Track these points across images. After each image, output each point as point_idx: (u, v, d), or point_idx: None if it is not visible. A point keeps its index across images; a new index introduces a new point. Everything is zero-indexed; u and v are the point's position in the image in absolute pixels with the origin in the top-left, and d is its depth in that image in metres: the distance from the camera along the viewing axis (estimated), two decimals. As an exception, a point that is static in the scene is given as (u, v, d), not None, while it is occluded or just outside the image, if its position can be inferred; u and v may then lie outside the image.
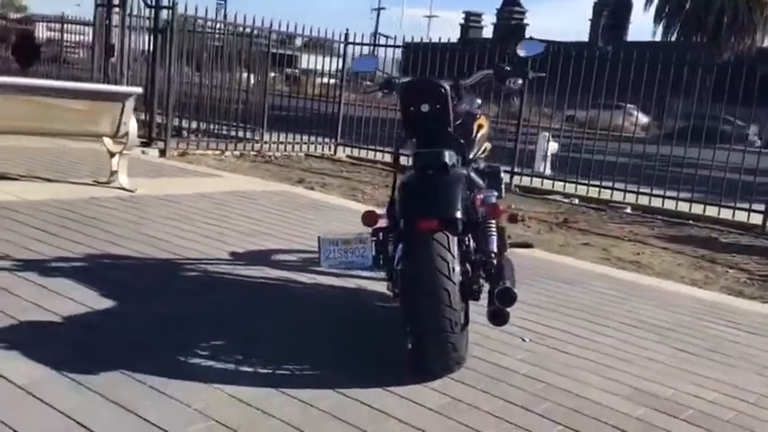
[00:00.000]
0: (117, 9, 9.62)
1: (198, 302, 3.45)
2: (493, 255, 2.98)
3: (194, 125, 10.13)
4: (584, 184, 9.30)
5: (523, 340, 3.48)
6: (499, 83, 3.89)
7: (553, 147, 11.10)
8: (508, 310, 2.82)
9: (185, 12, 9.28)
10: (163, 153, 8.92)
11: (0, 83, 5.50)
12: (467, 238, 2.96)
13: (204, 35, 10.38)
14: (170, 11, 8.96)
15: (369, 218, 2.82)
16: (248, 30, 10.24)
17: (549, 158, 10.93)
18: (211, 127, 10.38)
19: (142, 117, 9.71)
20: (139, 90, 6.13)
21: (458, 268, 2.85)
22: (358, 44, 11.65)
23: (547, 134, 11.06)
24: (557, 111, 11.46)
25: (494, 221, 3.04)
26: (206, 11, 9.72)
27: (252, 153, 10.29)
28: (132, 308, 3.27)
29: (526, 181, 9.95)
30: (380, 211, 3.02)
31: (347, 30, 11.22)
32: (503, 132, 10.29)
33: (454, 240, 2.71)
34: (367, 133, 11.47)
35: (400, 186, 2.87)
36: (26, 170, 6.38)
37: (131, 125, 5.90)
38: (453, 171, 2.81)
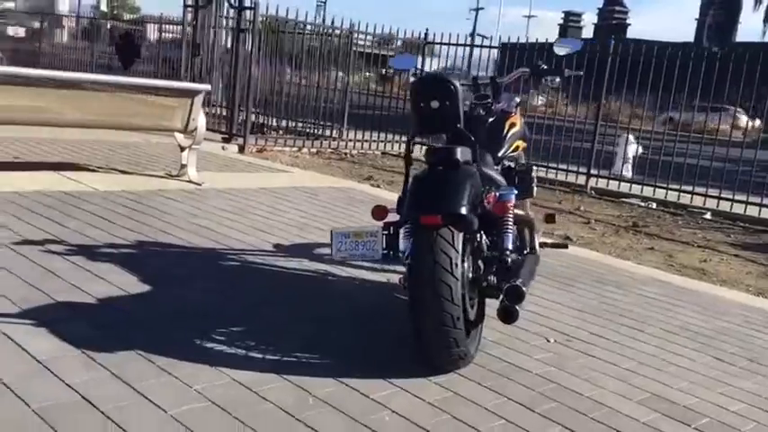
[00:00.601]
0: (204, 10, 9.99)
1: (227, 290, 3.58)
2: (507, 252, 2.98)
3: (275, 122, 10.40)
4: (662, 188, 9.00)
5: (548, 341, 3.44)
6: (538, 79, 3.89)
7: (636, 149, 10.78)
8: (518, 307, 2.81)
9: (266, 12, 9.55)
10: (242, 149, 9.21)
11: (81, 79, 5.85)
12: (479, 235, 2.96)
13: (286, 35, 10.64)
14: (252, 11, 9.24)
15: (378, 212, 2.87)
16: (329, 30, 10.43)
17: (630, 161, 10.63)
18: (291, 124, 10.64)
19: (225, 114, 10.11)
20: (208, 87, 6.37)
21: (465, 264, 2.87)
22: (444, 44, 11.64)
23: (629, 136, 10.76)
24: (650, 112, 11.08)
25: (510, 219, 3.04)
26: (287, 11, 9.99)
27: (328, 150, 10.48)
28: (163, 293, 3.43)
29: (604, 183, 9.71)
30: (391, 205, 3.05)
31: (426, 30, 11.25)
32: (579, 133, 10.09)
33: (459, 236, 2.72)
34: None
35: (411, 181, 2.91)
36: (105, 162, 6.74)
37: (200, 121, 6.15)
38: (464, 168, 2.82)
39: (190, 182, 6.17)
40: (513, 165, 3.66)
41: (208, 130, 10.20)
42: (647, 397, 2.92)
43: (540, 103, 15.73)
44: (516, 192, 3.18)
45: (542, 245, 4.04)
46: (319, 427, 2.32)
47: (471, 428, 2.46)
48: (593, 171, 9.66)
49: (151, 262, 3.89)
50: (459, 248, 2.71)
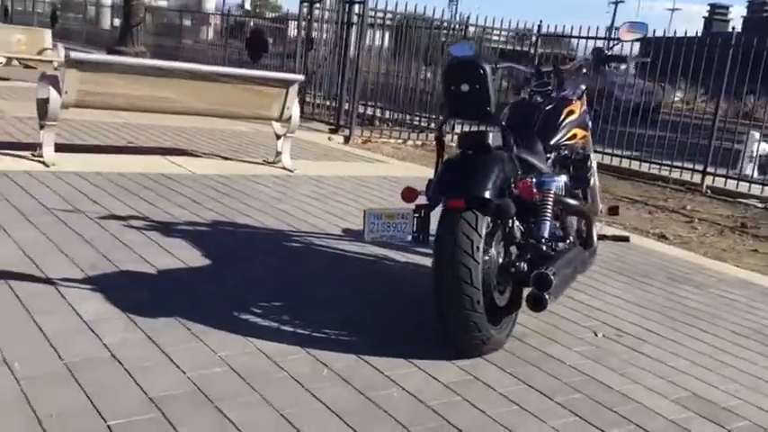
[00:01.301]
0: (318, 5, 10.29)
1: (281, 268, 3.72)
2: (543, 240, 2.95)
3: (386, 114, 10.56)
4: (784, 188, 8.45)
5: (596, 334, 3.36)
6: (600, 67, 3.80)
7: (764, 148, 10.15)
8: (547, 296, 2.77)
9: (375, 6, 9.71)
10: (347, 140, 9.43)
11: (186, 69, 6.21)
12: (511, 221, 2.94)
13: (395, 28, 10.77)
14: (361, 5, 9.43)
15: (408, 194, 2.90)
16: (438, 23, 10.46)
17: (756, 160, 10.02)
18: (397, 116, 10.77)
19: (335, 105, 10.37)
20: (301, 77, 6.57)
21: (494, 249, 2.87)
22: (574, 37, 11.30)
23: (757, 134, 10.14)
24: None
25: (548, 206, 2.99)
26: (396, 5, 10.09)
27: (432, 143, 10.51)
28: (221, 268, 3.62)
29: (722, 182, 9.20)
30: (421, 187, 3.07)
31: (540, 22, 11.04)
32: (697, 128, 9.62)
33: (484, 220, 2.72)
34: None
35: (441, 165, 2.93)
36: (211, 149, 7.12)
37: (294, 110, 6.37)
38: (494, 153, 2.81)
39: (283, 168, 6.41)
40: (568, 153, 3.59)
41: (317, 120, 10.58)
42: (686, 396, 2.81)
43: (677, 99, 15.09)
44: (559, 179, 3.13)
45: (602, 237, 3.94)
46: (324, 398, 2.40)
47: (478, 411, 2.46)
48: (709, 169, 9.17)
49: (222, 240, 4.11)
50: (483, 232, 2.71)
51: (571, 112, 3.60)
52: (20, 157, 5.57)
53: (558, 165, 3.54)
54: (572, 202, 3.48)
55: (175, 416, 2.17)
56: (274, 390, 2.42)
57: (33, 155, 5.61)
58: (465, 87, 2.78)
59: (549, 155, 3.46)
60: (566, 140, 3.54)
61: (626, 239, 4.19)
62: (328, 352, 2.76)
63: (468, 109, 2.87)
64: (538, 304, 2.79)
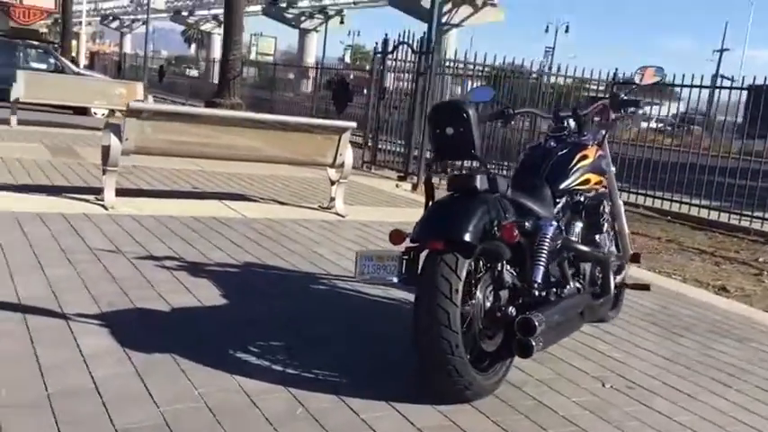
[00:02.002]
0: (390, 55, 10.51)
1: (290, 308, 3.78)
2: (535, 285, 2.89)
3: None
4: None
5: (603, 385, 3.24)
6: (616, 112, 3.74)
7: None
8: (534, 342, 2.71)
9: (445, 56, 9.83)
10: (415, 187, 9.49)
11: (238, 117, 6.46)
12: (500, 265, 2.91)
13: (466, 76, 10.84)
14: (431, 55, 9.57)
15: (395, 237, 2.91)
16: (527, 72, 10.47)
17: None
18: (471, 164, 10.74)
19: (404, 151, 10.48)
20: (353, 124, 6.70)
21: (479, 293, 2.83)
22: (677, 86, 10.93)
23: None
24: None
25: (543, 250, 2.95)
26: (465, 54, 10.17)
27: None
28: (232, 307, 3.71)
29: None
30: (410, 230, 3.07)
31: (616, 69, 10.86)
32: (744, 172, 9.21)
33: (465, 263, 2.70)
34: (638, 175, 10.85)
35: (429, 207, 2.94)
36: (271, 194, 7.33)
37: (347, 156, 6.51)
38: (481, 195, 2.80)
39: (336, 213, 6.52)
40: (581, 198, 3.52)
41: (389, 168, 10.70)
42: (682, 453, 2.67)
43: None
44: (556, 224, 3.07)
45: (621, 286, 3.82)
46: (290, 437, 2.41)
47: (443, 457, 2.42)
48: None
49: (245, 280, 4.22)
50: (463, 275, 2.69)
51: (584, 157, 3.54)
52: (84, 200, 5.90)
53: (568, 210, 3.48)
54: (582, 247, 3.41)
55: (131, 447, 2.24)
56: (242, 428, 2.45)
57: (96, 198, 5.93)
58: (449, 130, 2.80)
59: (558, 200, 3.41)
60: (577, 185, 3.48)
61: (646, 288, 4.03)
62: (308, 392, 2.78)
63: (453, 151, 2.88)
64: (524, 350, 2.73)
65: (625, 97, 3.70)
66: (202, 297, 3.77)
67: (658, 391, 3.24)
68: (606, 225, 3.55)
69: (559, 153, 3.55)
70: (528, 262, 2.96)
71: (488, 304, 2.88)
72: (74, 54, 37.47)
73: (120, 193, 6.19)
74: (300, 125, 6.55)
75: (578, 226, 3.51)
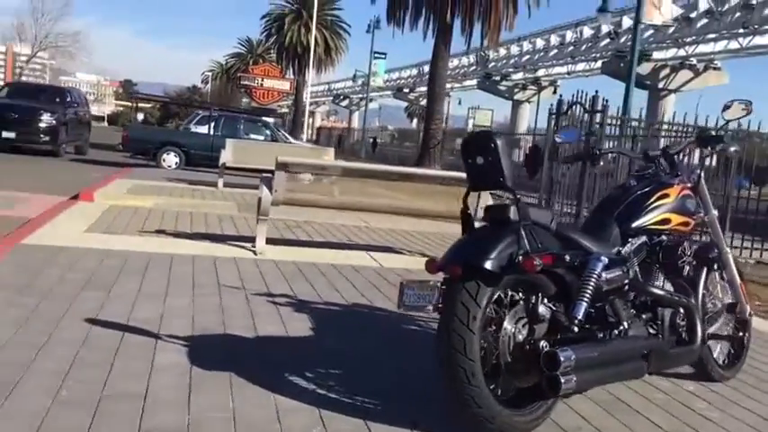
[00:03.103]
0: (564, 116, 10.39)
1: (370, 345, 3.87)
2: (575, 321, 2.77)
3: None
4: None
5: (668, 439, 2.97)
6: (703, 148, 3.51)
7: None
8: (562, 379, 2.59)
9: (617, 114, 9.53)
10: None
11: (379, 170, 6.75)
12: (534, 298, 2.82)
13: (652, 136, 10.38)
14: (601, 114, 9.35)
15: (429, 265, 2.91)
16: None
17: None
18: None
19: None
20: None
21: (507, 324, 2.76)
22: None
23: None
24: None
25: (588, 287, 2.82)
26: (640, 112, 9.79)
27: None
28: (314, 340, 3.87)
29: None
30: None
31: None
32: None
33: (486, 291, 2.66)
34: None
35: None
36: (419, 248, 7.49)
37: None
38: (513, 225, 2.75)
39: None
40: (660, 239, 3.31)
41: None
42: None
43: None
44: (606, 261, 2.92)
45: (712, 336, 3.50)
46: (289, 449, 2.50)
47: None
48: None
49: (343, 320, 4.39)
50: (483, 303, 2.66)
51: (665, 196, 3.35)
52: (241, 247, 6.44)
53: (643, 251, 3.28)
54: (654, 290, 3.21)
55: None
56: (252, 436, 2.58)
57: (252, 246, 6.44)
58: (480, 160, 2.81)
59: (631, 240, 3.25)
60: (652, 225, 3.29)
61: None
62: (336, 414, 2.85)
63: (484, 181, 2.87)
64: (551, 386, 2.62)
65: (713, 134, 3.46)
66: (291, 329, 3.98)
67: (737, 452, 2.92)
68: (687, 269, 3.29)
69: (638, 192, 3.39)
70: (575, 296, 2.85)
71: (520, 337, 2.79)
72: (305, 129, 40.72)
73: (277, 242, 6.69)
74: (443, 178, 6.69)
75: (654, 268, 3.30)
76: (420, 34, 26.17)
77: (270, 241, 6.62)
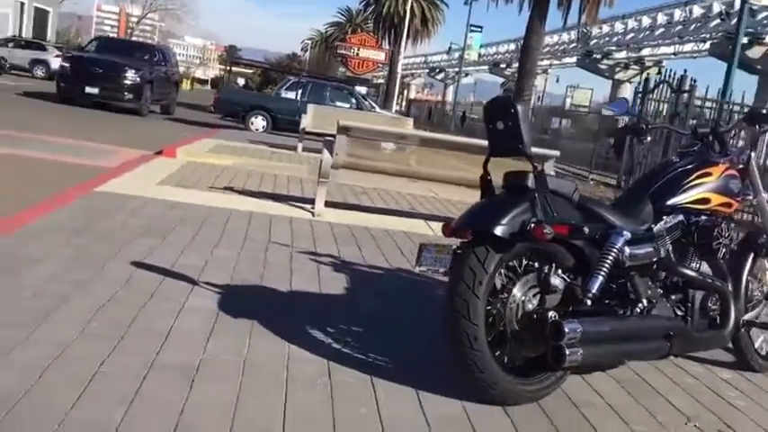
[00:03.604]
0: (651, 95, 10.05)
1: (391, 306, 3.90)
2: (589, 294, 2.73)
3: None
4: None
5: (688, 422, 2.90)
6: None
7: None
8: (567, 350, 2.57)
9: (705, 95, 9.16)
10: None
11: (434, 138, 6.72)
12: (547, 268, 2.78)
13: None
14: (689, 94, 9.00)
15: (444, 228, 2.91)
16: None
17: None
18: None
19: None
20: (557, 153, 6.57)
21: (516, 291, 2.75)
22: None
23: None
24: None
25: (606, 261, 2.77)
26: (742, 96, 9.34)
27: None
28: (345, 298, 3.95)
29: None
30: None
31: None
32: None
33: (494, 256, 2.65)
34: None
35: None
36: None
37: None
38: (529, 193, 2.72)
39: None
40: (697, 219, 3.20)
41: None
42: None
43: None
44: (629, 236, 2.85)
45: (752, 324, 3.38)
46: (290, 400, 2.57)
47: (424, 439, 2.41)
48: None
49: (381, 281, 4.44)
50: (491, 269, 2.65)
51: (706, 174, 3.24)
52: (301, 208, 6.57)
53: (678, 230, 3.18)
54: (685, 271, 3.12)
55: (161, 374, 2.58)
56: (254, 381, 2.67)
57: (312, 207, 6.56)
58: (500, 125, 2.78)
59: (665, 217, 3.15)
60: (689, 203, 3.18)
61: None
62: (346, 368, 2.91)
63: (503, 146, 2.83)
64: (555, 356, 2.60)
65: (764, 112, 3.29)
66: (325, 287, 4.06)
67: (753, 441, 2.83)
68: (722, 251, 3.16)
69: (678, 169, 3.28)
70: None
71: (530, 306, 2.77)
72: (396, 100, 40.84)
73: (339, 206, 6.80)
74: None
75: (690, 249, 3.20)
76: (515, 7, 25.73)
77: (331, 204, 6.74)
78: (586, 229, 2.78)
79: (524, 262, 2.84)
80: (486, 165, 2.92)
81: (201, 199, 6.30)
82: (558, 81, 67.90)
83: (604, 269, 2.78)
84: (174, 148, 9.85)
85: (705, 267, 3.29)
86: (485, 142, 3.03)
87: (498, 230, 2.63)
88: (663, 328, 2.92)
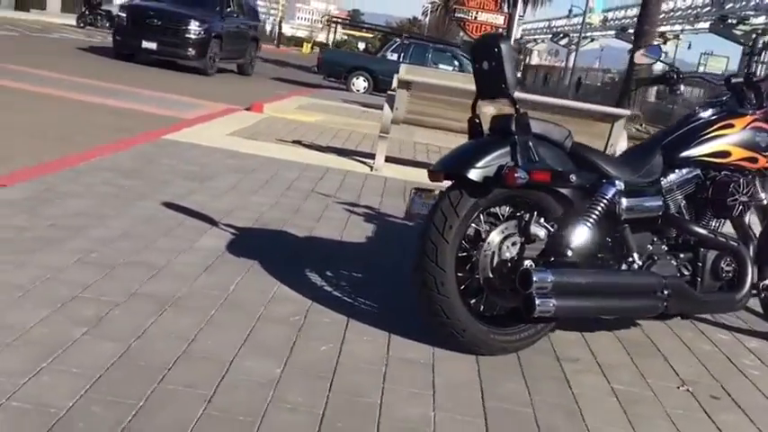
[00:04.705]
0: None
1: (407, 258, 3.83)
2: (571, 245, 2.61)
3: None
4: None
5: (680, 387, 2.73)
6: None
7: None
8: (538, 299, 2.48)
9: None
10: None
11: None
12: (528, 216, 2.66)
13: None
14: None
15: (429, 173, 2.83)
16: None
17: None
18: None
19: None
20: (627, 112, 6.24)
21: (494, 238, 2.65)
22: None
23: None
24: None
25: (593, 213, 2.64)
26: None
27: None
28: (359, 247, 3.94)
29: None
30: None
31: None
32: None
33: (468, 201, 2.56)
34: None
35: None
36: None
37: (619, 146, 6.13)
38: (513, 138, 2.59)
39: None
40: (714, 173, 2.97)
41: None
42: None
43: None
44: (621, 187, 2.69)
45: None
46: (254, 334, 2.60)
47: (365, 378, 2.39)
48: None
49: (407, 235, 4.35)
50: (463, 213, 2.57)
51: (728, 126, 3.00)
52: (362, 162, 6.58)
53: (692, 184, 2.97)
54: (693, 227, 2.94)
55: (135, 302, 2.68)
56: (226, 314, 2.72)
57: (373, 162, 6.55)
58: (486, 65, 2.65)
59: (678, 170, 2.95)
60: (706, 156, 2.95)
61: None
62: (326, 309, 2.91)
63: (488, 87, 2.70)
64: (526, 306, 2.51)
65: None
66: (347, 235, 4.06)
67: (745, 404, 2.63)
68: (738, 209, 2.92)
69: (699, 121, 3.05)
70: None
71: (507, 255, 2.67)
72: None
73: (403, 162, 6.76)
74: (573, 109, 6.35)
75: (706, 205, 2.98)
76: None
77: (394, 160, 6.70)
78: (574, 177, 2.65)
79: (508, 209, 2.74)
80: (474, 107, 2.81)
81: (264, 150, 6.41)
82: (689, 48, 64.35)
83: (591, 220, 2.65)
84: (262, 103, 10.03)
85: (723, 227, 3.07)
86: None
87: (472, 174, 2.54)
88: (655, 285, 2.74)
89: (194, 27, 14.76)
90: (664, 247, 2.93)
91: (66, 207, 3.72)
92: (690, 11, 47.20)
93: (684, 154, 2.95)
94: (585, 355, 2.89)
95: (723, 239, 2.95)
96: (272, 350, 2.47)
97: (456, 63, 18.11)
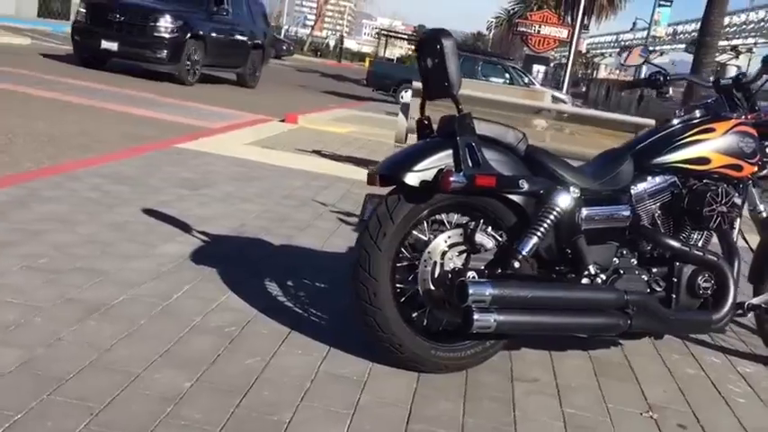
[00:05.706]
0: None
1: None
2: (519, 256, 2.40)
3: None
4: None
5: (644, 413, 2.49)
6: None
7: None
8: (476, 313, 2.28)
9: None
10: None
11: (548, 108, 6.30)
12: (475, 224, 2.46)
13: None
14: None
15: (368, 178, 2.65)
16: None
17: None
18: None
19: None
20: (651, 122, 5.92)
21: (435, 246, 2.46)
22: None
23: None
24: None
25: (542, 223, 2.43)
26: None
27: None
28: (333, 257, 3.76)
29: None
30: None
31: None
32: None
33: (405, 207, 2.39)
34: None
35: None
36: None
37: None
38: (457, 140, 2.40)
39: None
40: (690, 181, 2.72)
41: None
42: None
43: None
44: (576, 195, 2.48)
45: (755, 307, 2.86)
46: (179, 343, 2.47)
47: (283, 394, 2.22)
48: None
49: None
50: (398, 219, 2.39)
51: (709, 131, 2.74)
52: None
53: (666, 193, 2.72)
54: (664, 239, 2.70)
55: (64, 309, 2.58)
56: (157, 322, 2.60)
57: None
58: (429, 63, 2.47)
59: (650, 177, 2.71)
60: (681, 163, 2.70)
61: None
62: (270, 320, 2.77)
63: (432, 86, 2.51)
64: (464, 319, 2.31)
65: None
66: (328, 245, 3.92)
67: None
68: (713, 221, 2.65)
69: (678, 125, 2.80)
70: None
71: (450, 265, 2.47)
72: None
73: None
74: (600, 119, 6.11)
75: (677, 215, 2.73)
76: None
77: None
78: (524, 183, 2.43)
79: (457, 217, 2.55)
80: (422, 108, 2.62)
81: (276, 159, 6.32)
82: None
83: (540, 229, 2.43)
84: (297, 115, 10.01)
85: (703, 240, 2.80)
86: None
87: (408, 178, 2.36)
88: (615, 301, 2.50)
89: (165, 24, 11.99)
90: (633, 260, 2.68)
91: (38, 212, 3.67)
92: (763, 23, 45.70)
93: (657, 160, 2.71)
94: (546, 375, 2.67)
95: (700, 253, 2.68)
96: (190, 362, 2.33)
97: (507, 76, 17.85)
